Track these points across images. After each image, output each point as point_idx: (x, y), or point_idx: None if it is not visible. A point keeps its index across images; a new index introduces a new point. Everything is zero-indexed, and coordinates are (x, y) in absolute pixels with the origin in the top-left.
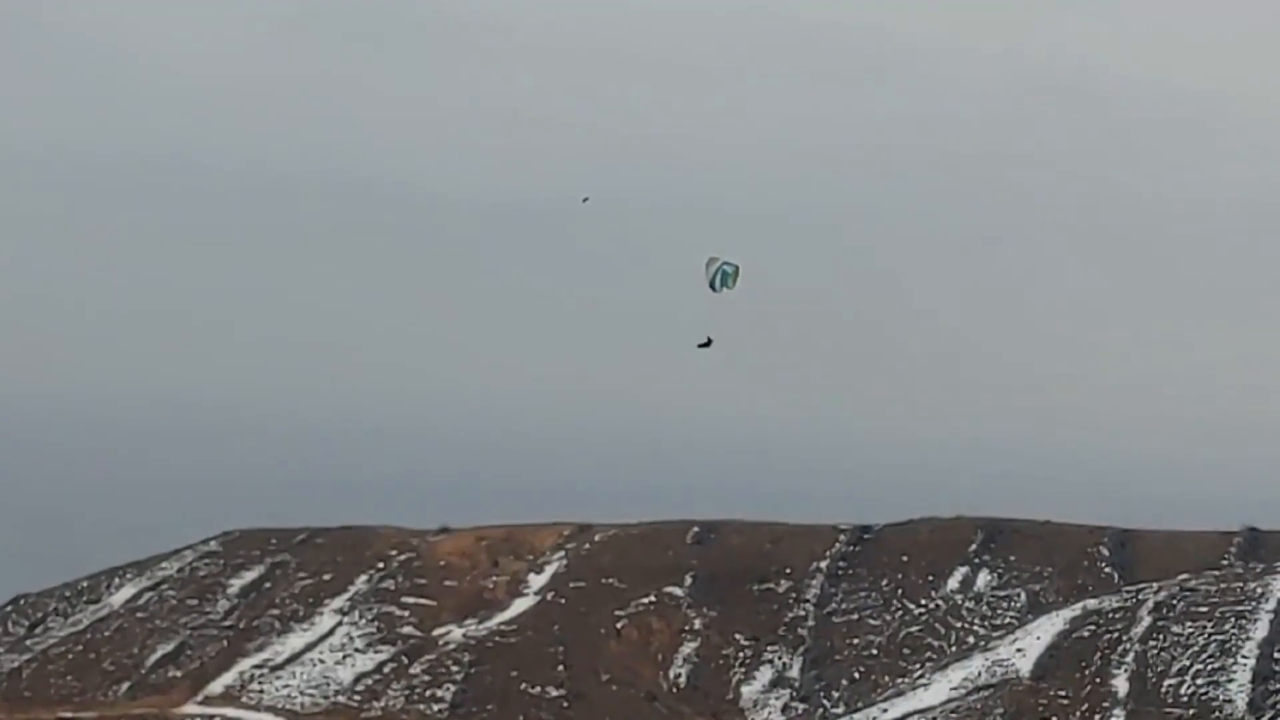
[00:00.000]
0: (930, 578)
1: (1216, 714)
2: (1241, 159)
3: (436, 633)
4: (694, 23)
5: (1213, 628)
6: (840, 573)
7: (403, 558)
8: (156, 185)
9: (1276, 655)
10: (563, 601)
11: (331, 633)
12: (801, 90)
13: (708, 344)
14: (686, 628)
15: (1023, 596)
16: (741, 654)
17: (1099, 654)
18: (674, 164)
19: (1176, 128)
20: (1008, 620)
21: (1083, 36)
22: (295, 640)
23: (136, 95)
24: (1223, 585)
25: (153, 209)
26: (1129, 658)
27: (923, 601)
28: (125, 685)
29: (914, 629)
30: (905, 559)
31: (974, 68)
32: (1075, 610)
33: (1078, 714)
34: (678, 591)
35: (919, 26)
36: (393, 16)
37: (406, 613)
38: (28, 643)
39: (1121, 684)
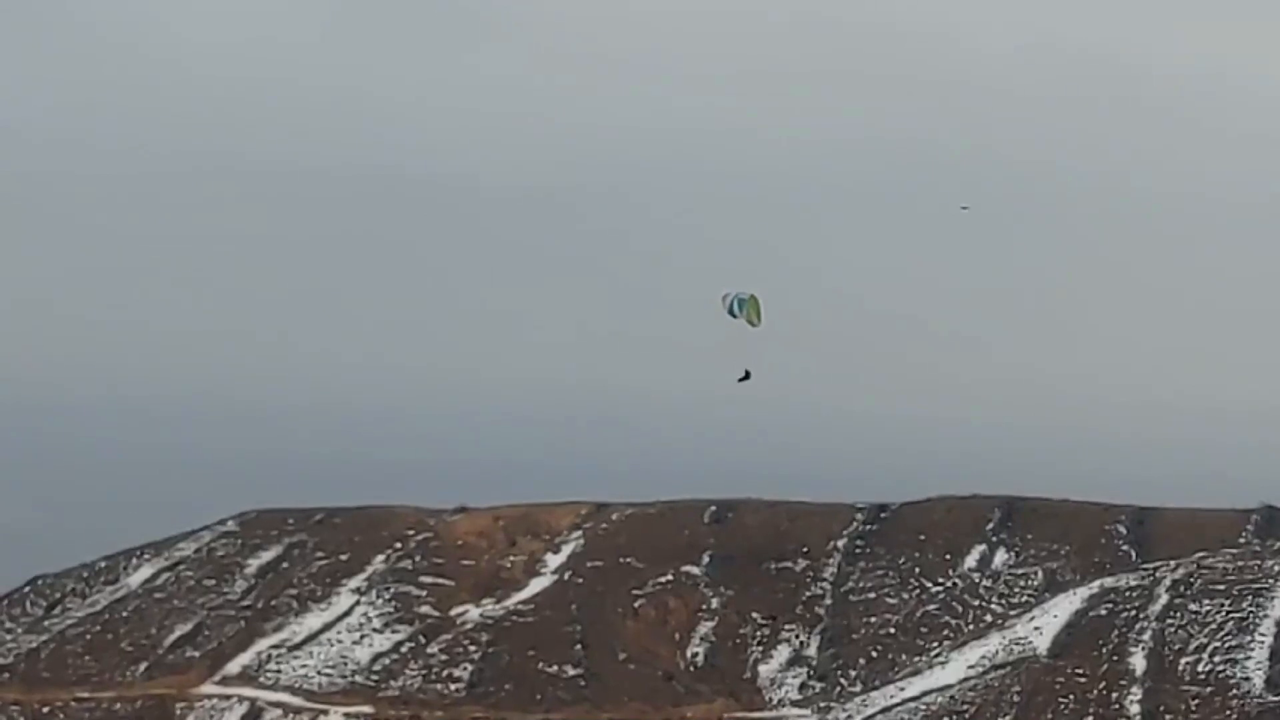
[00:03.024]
0: (947, 556)
1: (1234, 691)
2: (1259, 146)
3: (454, 612)
4: (710, 17)
5: (1230, 605)
6: (857, 551)
7: (420, 537)
8: (174, 175)
9: None
10: (580, 581)
11: (349, 613)
12: (810, 82)
13: (746, 377)
14: (703, 607)
15: (1040, 575)
16: (759, 633)
17: (1116, 632)
18: (689, 154)
19: (1197, 114)
20: (1025, 598)
21: (1100, 24)
22: (313, 620)
23: (145, 87)
24: (1240, 563)
25: (167, 198)
26: (1146, 635)
27: (940, 580)
28: (143, 666)
29: (931, 607)
30: (922, 537)
31: (990, 59)
32: (1092, 588)
33: (1095, 692)
34: (695, 571)
35: (931, 18)
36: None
37: (424, 592)
38: (46, 623)
39: (1139, 662)
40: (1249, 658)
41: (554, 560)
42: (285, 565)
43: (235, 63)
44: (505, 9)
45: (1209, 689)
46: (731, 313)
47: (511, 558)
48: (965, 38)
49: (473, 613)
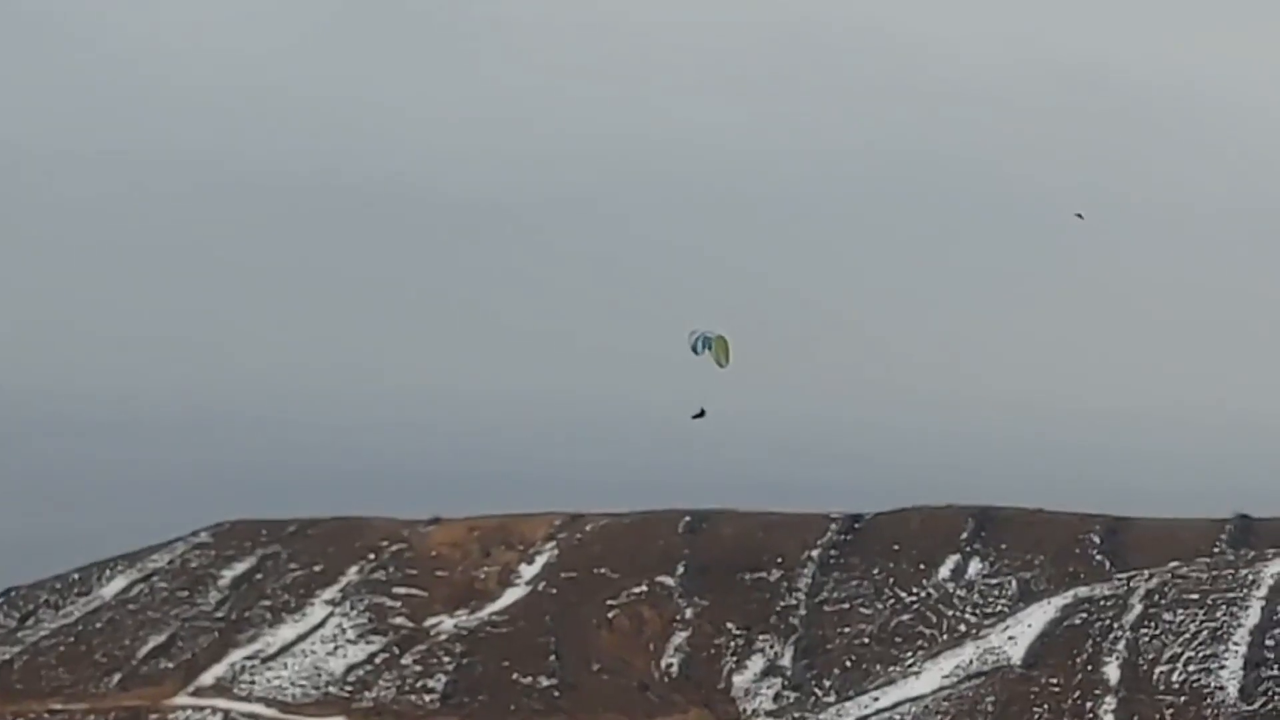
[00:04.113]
0: (921, 566)
1: (1208, 701)
2: (1240, 158)
3: (428, 623)
4: (698, 27)
5: (1204, 615)
6: (832, 561)
7: (394, 548)
8: (152, 181)
9: (1268, 642)
10: (554, 591)
11: (323, 624)
12: (798, 91)
13: (701, 414)
14: (678, 617)
15: (1014, 584)
16: (733, 643)
17: (1090, 641)
18: (670, 164)
19: (1183, 126)
20: (999, 608)
21: (1089, 36)
22: (286, 631)
23: (140, 95)
24: (1214, 572)
25: (145, 204)
26: (1120, 645)
27: (914, 590)
28: (116, 677)
29: (905, 617)
30: (896, 547)
31: (979, 69)
32: (1067, 598)
33: (1069, 702)
34: (669, 581)
35: (920, 28)
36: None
37: (398, 603)
38: (19, 635)
39: (1113, 671)
40: (1223, 667)
41: (528, 571)
42: (259, 576)
43: (228, 72)
44: (500, 16)
45: (1183, 698)
46: (695, 350)
47: (486, 568)
48: (955, 48)
49: (447, 623)
